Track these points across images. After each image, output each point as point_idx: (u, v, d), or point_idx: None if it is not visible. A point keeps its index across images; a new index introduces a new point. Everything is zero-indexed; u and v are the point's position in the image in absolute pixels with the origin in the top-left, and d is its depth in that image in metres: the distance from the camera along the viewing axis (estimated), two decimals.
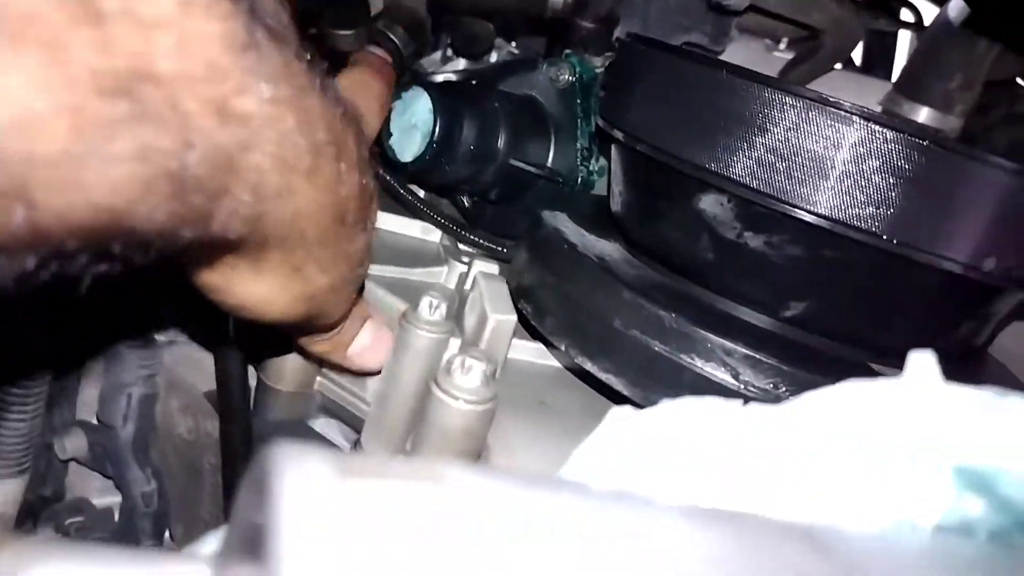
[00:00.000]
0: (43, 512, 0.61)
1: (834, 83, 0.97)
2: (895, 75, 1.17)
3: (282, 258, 0.35)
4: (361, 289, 0.48)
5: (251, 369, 0.57)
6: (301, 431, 0.56)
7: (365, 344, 0.50)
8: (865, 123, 0.40)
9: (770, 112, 0.41)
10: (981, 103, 0.92)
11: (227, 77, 0.26)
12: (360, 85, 0.65)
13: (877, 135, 0.40)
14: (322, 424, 0.58)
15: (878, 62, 1.17)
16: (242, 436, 0.53)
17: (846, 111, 0.40)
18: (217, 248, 0.32)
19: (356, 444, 0.52)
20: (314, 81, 0.32)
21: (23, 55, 0.21)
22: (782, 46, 1.02)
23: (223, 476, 0.53)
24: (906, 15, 1.13)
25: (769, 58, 1.00)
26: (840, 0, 0.89)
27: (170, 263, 0.31)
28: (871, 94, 0.96)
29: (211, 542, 0.21)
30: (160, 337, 0.62)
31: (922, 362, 0.24)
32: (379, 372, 0.52)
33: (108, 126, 0.23)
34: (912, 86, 0.89)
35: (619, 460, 0.25)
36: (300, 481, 0.13)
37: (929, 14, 1.14)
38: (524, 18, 0.71)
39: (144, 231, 0.26)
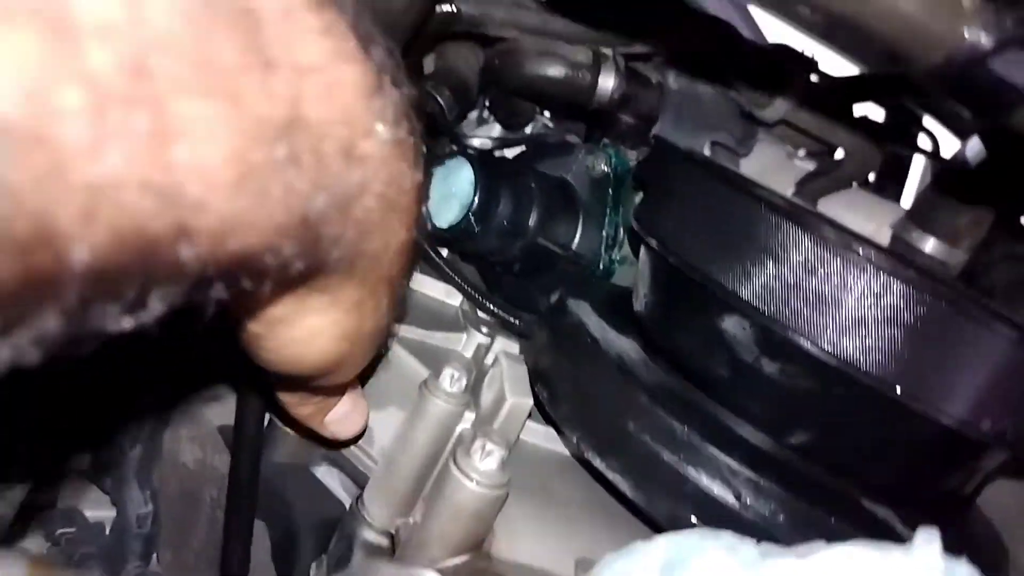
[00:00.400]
0: (34, 518, 0.61)
1: (849, 200, 1.01)
2: (905, 196, 1.22)
3: (355, 290, 0.35)
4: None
5: None
6: (303, 477, 0.58)
7: (345, 411, 0.50)
8: (877, 271, 0.42)
9: (791, 246, 0.44)
10: (984, 239, 0.95)
11: (358, 121, 0.28)
12: None
13: (889, 284, 0.42)
14: (323, 472, 0.59)
15: (891, 181, 1.21)
16: (250, 475, 0.55)
17: (860, 255, 0.43)
18: (305, 278, 0.32)
19: (359, 499, 0.53)
20: (416, 124, 0.33)
21: (205, 105, 0.21)
22: (801, 153, 1.06)
23: (226, 512, 0.55)
24: (923, 141, 1.18)
25: (789, 165, 1.04)
26: (864, 125, 0.93)
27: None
28: (882, 216, 1.00)
29: None
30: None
31: (928, 539, 0.26)
32: (353, 442, 0.53)
33: (266, 173, 0.24)
34: (923, 216, 0.93)
35: None
36: None
37: (944, 142, 1.19)
38: (569, 104, 0.74)
39: (268, 265, 0.26)
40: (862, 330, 0.43)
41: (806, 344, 0.44)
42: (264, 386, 0.56)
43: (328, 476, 0.60)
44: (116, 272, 0.21)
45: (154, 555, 0.62)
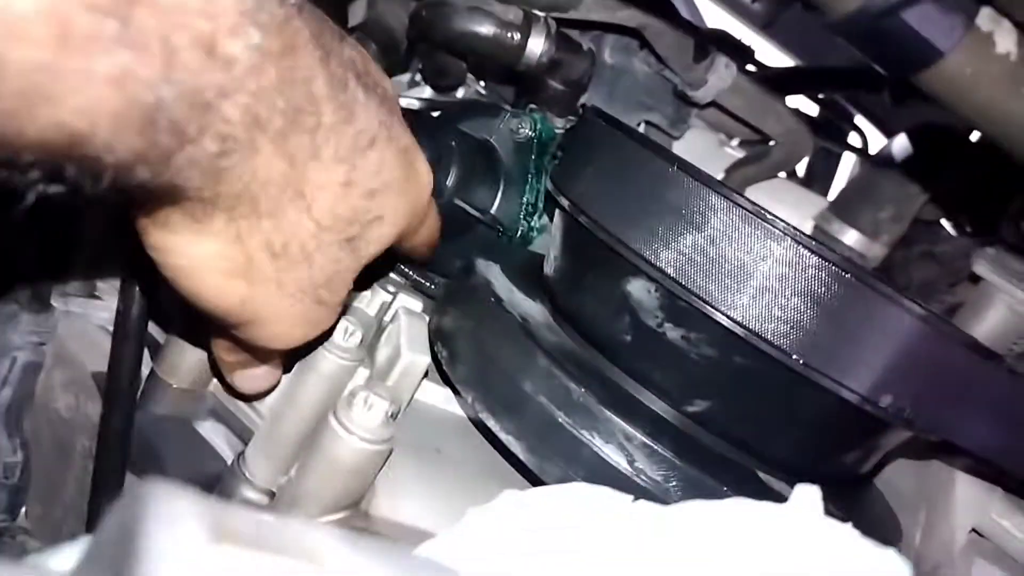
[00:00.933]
0: None
1: (774, 190, 1.01)
2: (832, 192, 1.24)
3: (226, 223, 0.33)
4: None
5: (146, 357, 0.55)
6: (186, 432, 0.54)
7: (256, 371, 0.47)
8: (789, 242, 0.41)
9: (706, 212, 0.43)
10: (904, 237, 0.97)
11: (222, 15, 0.26)
12: None
13: (799, 255, 0.41)
14: (209, 428, 0.56)
15: (819, 177, 1.23)
16: (122, 426, 0.51)
17: (774, 226, 0.42)
18: (166, 196, 0.30)
19: (240, 456, 0.50)
20: (312, 46, 0.31)
21: None
22: (734, 143, 1.06)
23: (95, 465, 0.51)
24: (854, 139, 1.19)
25: (720, 153, 1.04)
26: (796, 114, 0.93)
27: (115, 207, 0.30)
28: (807, 207, 1.01)
29: (66, 555, 0.20)
30: (58, 304, 0.60)
31: (807, 495, 0.25)
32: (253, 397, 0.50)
33: (91, 43, 0.22)
34: (846, 209, 0.94)
35: (497, 542, 0.25)
36: (170, 545, 0.12)
37: (874, 140, 1.21)
38: (497, 64, 0.71)
39: (102, 160, 0.25)
40: (767, 299, 0.42)
41: (711, 311, 0.43)
42: (141, 333, 0.52)
43: (213, 432, 0.56)
44: None
45: (22, 509, 0.58)
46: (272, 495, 0.49)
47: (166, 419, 0.54)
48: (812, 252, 0.41)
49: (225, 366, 0.47)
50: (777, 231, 0.42)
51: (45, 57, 0.21)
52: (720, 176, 0.97)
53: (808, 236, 0.43)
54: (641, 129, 0.91)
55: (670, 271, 0.43)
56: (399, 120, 0.42)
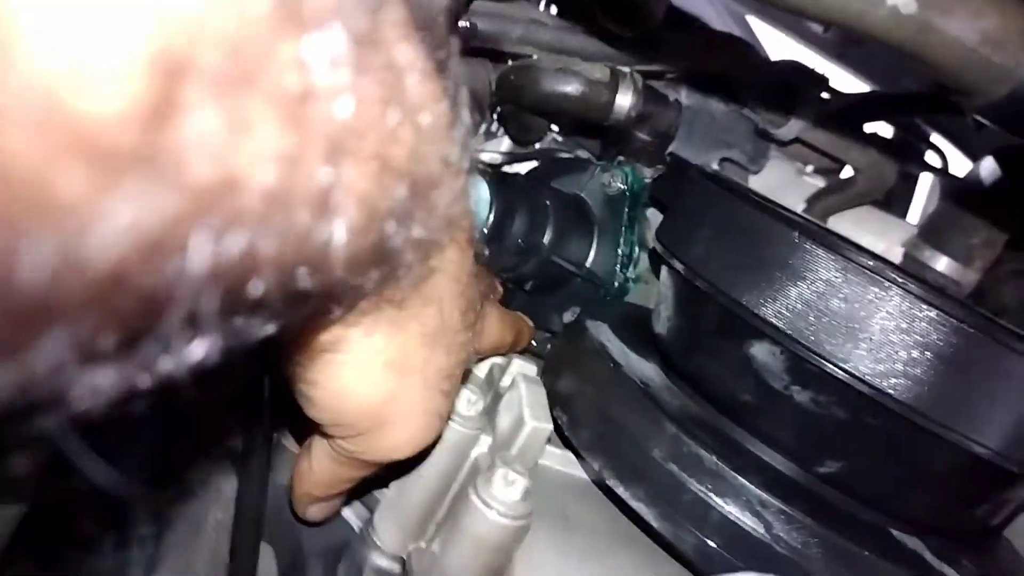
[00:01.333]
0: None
1: (859, 218, 1.00)
2: (912, 214, 1.21)
3: (394, 311, 0.34)
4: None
5: None
6: None
7: (328, 508, 0.48)
8: (910, 296, 0.41)
9: (829, 274, 0.43)
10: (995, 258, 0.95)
11: (445, 156, 0.28)
12: None
13: (922, 309, 0.41)
14: None
15: (898, 199, 1.21)
16: (257, 500, 0.53)
17: (904, 287, 0.42)
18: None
19: (369, 523, 0.52)
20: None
21: (355, 165, 0.23)
22: (809, 169, 1.05)
23: (232, 538, 0.53)
24: (932, 158, 1.17)
25: (799, 182, 1.03)
26: (878, 143, 0.92)
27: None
28: (894, 234, 0.99)
29: None
30: None
31: None
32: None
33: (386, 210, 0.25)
34: (935, 235, 0.92)
35: None
36: None
37: (953, 159, 1.19)
38: (584, 121, 0.73)
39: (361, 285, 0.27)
40: (895, 357, 0.42)
41: (839, 372, 0.43)
42: (272, 405, 0.54)
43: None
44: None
45: None
46: (402, 561, 0.51)
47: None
48: (935, 305, 0.41)
49: (309, 499, 0.46)
50: (896, 284, 0.42)
51: (361, 237, 0.24)
52: (801, 207, 0.97)
53: (927, 286, 0.43)
54: (717, 166, 0.91)
55: (794, 334, 0.44)
56: None
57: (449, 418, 0.48)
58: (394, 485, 0.53)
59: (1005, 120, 0.32)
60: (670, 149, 0.79)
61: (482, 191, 0.64)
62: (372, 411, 0.36)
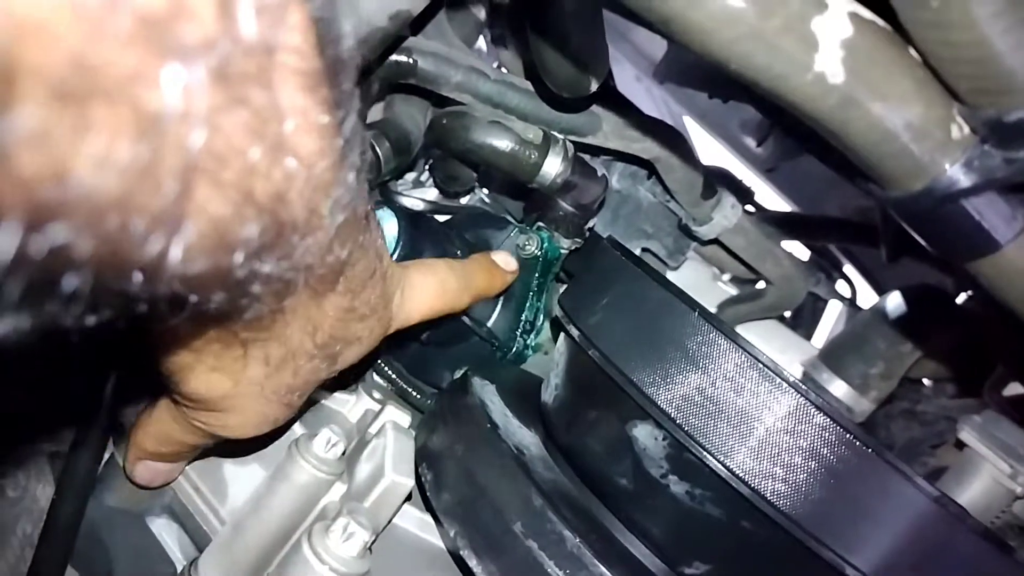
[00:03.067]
0: None
1: (765, 331, 1.01)
2: (816, 337, 1.24)
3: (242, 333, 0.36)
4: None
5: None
6: (137, 528, 0.50)
7: (160, 466, 0.47)
8: (809, 404, 0.40)
9: (726, 364, 0.41)
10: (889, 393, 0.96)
11: (317, 210, 0.30)
12: None
13: (812, 418, 0.39)
14: (162, 526, 0.52)
15: (804, 321, 1.23)
16: (72, 516, 0.47)
17: (805, 395, 0.40)
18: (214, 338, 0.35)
19: (192, 565, 0.46)
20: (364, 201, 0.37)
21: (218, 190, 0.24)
22: (726, 277, 1.06)
23: (35, 554, 0.46)
24: (842, 287, 1.21)
25: (714, 287, 1.04)
26: (793, 260, 0.94)
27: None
28: (795, 352, 1.00)
29: None
30: None
31: None
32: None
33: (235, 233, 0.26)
34: (836, 360, 0.93)
35: None
36: None
37: (862, 292, 1.22)
38: (510, 179, 0.71)
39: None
40: (778, 460, 0.40)
41: (719, 467, 0.40)
42: (109, 422, 0.49)
43: (166, 530, 0.52)
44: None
45: None
46: None
47: (118, 511, 0.50)
48: (829, 416, 0.39)
49: (139, 450, 0.47)
50: (800, 394, 0.40)
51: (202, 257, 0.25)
52: (712, 311, 0.97)
53: (838, 411, 0.41)
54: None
55: (680, 420, 0.41)
56: (386, 250, 0.45)
57: (290, 423, 0.46)
58: (230, 523, 0.47)
59: (914, 219, 0.32)
60: (594, 229, 0.78)
61: (389, 225, 0.61)
62: (203, 399, 0.39)
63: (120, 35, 0.19)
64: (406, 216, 0.63)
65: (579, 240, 0.72)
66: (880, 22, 0.28)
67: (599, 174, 0.72)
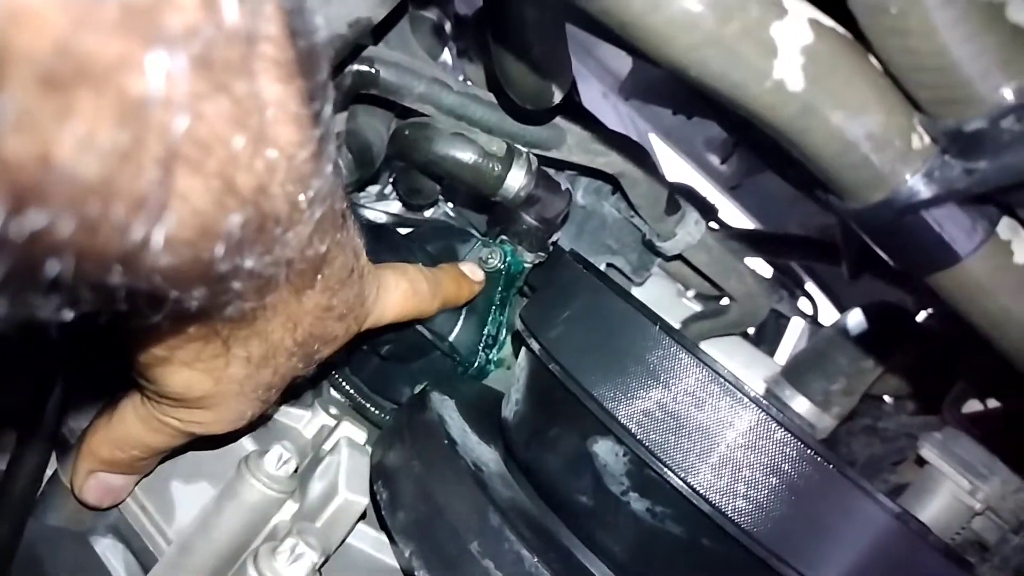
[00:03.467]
0: None
1: (729, 347, 1.01)
2: (779, 353, 1.24)
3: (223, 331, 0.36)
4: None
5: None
6: (79, 548, 0.48)
7: (107, 482, 0.45)
8: (762, 415, 0.39)
9: (685, 379, 0.41)
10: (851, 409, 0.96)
11: (296, 204, 0.30)
12: None
13: (772, 433, 0.39)
14: (106, 546, 0.50)
15: (768, 338, 1.23)
16: (9, 536, 0.45)
17: (745, 395, 0.39)
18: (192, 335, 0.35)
19: None
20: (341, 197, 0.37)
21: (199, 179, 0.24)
22: (690, 294, 1.06)
23: None
24: (804, 304, 1.21)
25: (678, 303, 1.04)
26: (756, 277, 0.94)
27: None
28: (758, 368, 1.00)
29: None
30: None
31: None
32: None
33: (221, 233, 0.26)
34: (798, 376, 0.93)
35: None
36: None
37: (824, 309, 1.23)
38: (473, 192, 0.70)
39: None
40: (739, 476, 0.39)
41: (679, 483, 0.40)
42: (53, 435, 0.47)
43: (111, 552, 0.50)
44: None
45: None
46: None
47: (60, 531, 0.48)
48: (795, 436, 0.39)
49: (92, 460, 0.45)
50: (764, 412, 0.39)
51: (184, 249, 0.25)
52: (676, 327, 0.97)
53: (799, 427, 0.41)
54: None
55: (640, 435, 0.40)
56: (362, 249, 0.45)
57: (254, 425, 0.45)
58: (176, 543, 0.46)
59: (875, 231, 0.31)
60: (558, 243, 0.77)
61: None
62: (183, 397, 0.39)
63: (105, 22, 0.20)
64: (367, 229, 0.62)
65: (543, 254, 0.72)
66: (840, 29, 0.28)
67: (563, 188, 0.71)
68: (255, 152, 0.26)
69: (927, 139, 0.29)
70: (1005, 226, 0.31)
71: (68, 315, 0.24)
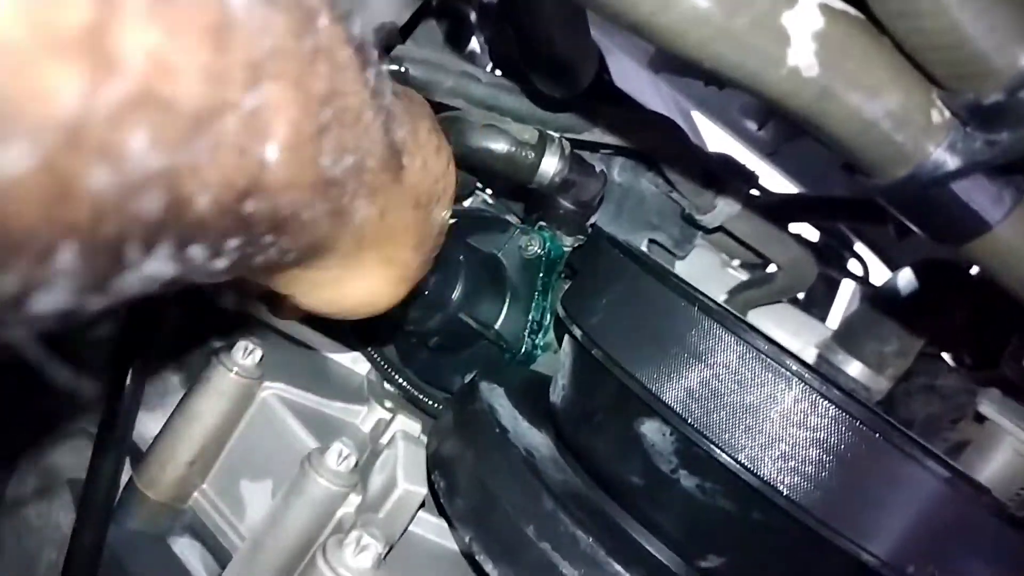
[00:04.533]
0: None
1: (777, 315, 1.00)
2: (831, 318, 1.23)
3: (377, 255, 0.38)
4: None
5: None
6: (159, 551, 0.51)
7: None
8: (812, 391, 0.40)
9: (727, 356, 0.41)
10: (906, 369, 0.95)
11: (360, 93, 0.30)
12: None
13: (819, 406, 0.39)
14: (184, 546, 0.53)
15: (818, 302, 1.22)
16: (93, 543, 0.48)
17: (806, 381, 0.40)
18: (316, 256, 0.35)
19: None
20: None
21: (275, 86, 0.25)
22: (735, 263, 1.05)
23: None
24: (854, 265, 1.20)
25: (723, 274, 1.03)
26: (801, 243, 0.93)
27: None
28: (809, 334, 0.99)
29: None
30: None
31: None
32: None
33: (314, 138, 0.27)
34: (850, 340, 0.92)
35: None
36: None
37: (874, 268, 1.21)
38: (508, 181, 0.71)
39: (306, 219, 0.29)
40: (787, 451, 0.40)
41: (727, 460, 0.40)
42: (123, 441, 0.50)
43: (189, 551, 0.53)
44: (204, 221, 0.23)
45: None
46: None
47: (140, 535, 0.51)
48: (839, 407, 0.39)
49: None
50: (798, 378, 0.40)
51: (291, 161, 0.26)
52: (722, 298, 0.96)
53: (830, 383, 0.41)
54: (645, 247, 0.90)
55: (686, 415, 0.41)
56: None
57: None
58: (249, 540, 0.48)
59: (902, 205, 0.31)
60: (598, 224, 0.78)
61: None
62: (379, 309, 0.42)
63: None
64: None
65: (581, 237, 0.73)
66: (852, 11, 0.28)
67: (597, 170, 0.72)
68: (319, 54, 0.27)
69: (947, 114, 0.29)
70: None
71: (220, 265, 0.26)
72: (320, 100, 0.27)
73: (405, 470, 0.46)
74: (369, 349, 0.65)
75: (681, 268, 0.96)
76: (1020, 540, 0.42)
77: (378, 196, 0.35)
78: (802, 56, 0.27)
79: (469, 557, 0.46)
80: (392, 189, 0.37)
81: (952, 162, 0.29)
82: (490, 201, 0.87)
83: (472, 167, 0.74)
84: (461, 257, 0.66)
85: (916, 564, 0.40)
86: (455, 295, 0.65)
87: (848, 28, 0.28)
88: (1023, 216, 0.30)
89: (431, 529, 0.50)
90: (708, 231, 0.88)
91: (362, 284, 0.40)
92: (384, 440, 0.52)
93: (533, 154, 0.68)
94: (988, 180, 0.30)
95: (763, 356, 0.40)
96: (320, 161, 0.28)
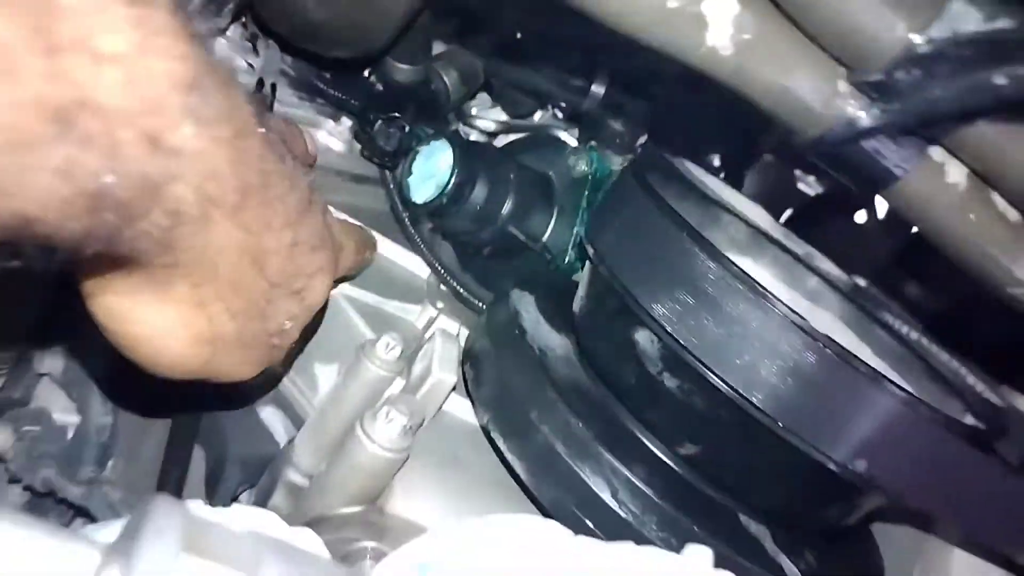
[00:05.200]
0: (7, 412, 0.67)
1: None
2: None
3: (189, 290, 0.35)
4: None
5: None
6: (247, 415, 0.63)
7: None
8: (780, 316, 0.45)
9: (701, 277, 0.47)
10: None
11: (165, 113, 0.28)
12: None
13: (784, 329, 0.45)
14: (269, 413, 0.64)
15: None
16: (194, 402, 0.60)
17: (771, 303, 0.45)
18: (123, 263, 0.33)
19: (290, 443, 0.58)
20: (255, 125, 0.34)
21: None
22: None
23: (170, 435, 0.60)
24: None
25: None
26: None
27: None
28: None
29: (110, 531, 0.27)
30: None
31: (698, 553, 0.30)
32: None
33: (39, 145, 0.25)
34: None
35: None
36: (150, 551, 0.19)
37: None
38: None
39: (54, 237, 0.27)
40: (753, 363, 0.46)
41: (701, 368, 0.47)
42: None
43: (273, 417, 0.64)
44: None
45: (109, 462, 0.67)
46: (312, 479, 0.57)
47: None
48: (795, 327, 0.45)
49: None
50: (770, 306, 0.45)
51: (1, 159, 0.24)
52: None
53: (789, 308, 0.46)
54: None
55: (669, 327, 0.48)
56: (315, 186, 0.45)
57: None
58: (317, 410, 0.59)
59: (823, 158, 0.36)
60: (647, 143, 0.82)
61: (445, 154, 0.69)
62: (187, 373, 0.40)
63: None
64: (460, 144, 0.70)
65: (631, 156, 0.78)
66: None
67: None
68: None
69: (849, 86, 0.33)
70: (938, 151, 0.35)
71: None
72: (56, 107, 0.25)
73: (440, 361, 0.55)
74: (427, 253, 0.73)
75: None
76: (963, 453, 0.47)
77: (211, 223, 0.33)
78: (718, 38, 0.32)
79: (487, 433, 0.55)
80: (224, 226, 0.34)
81: (857, 124, 0.33)
82: (560, 116, 0.93)
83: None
84: (512, 175, 0.72)
85: (866, 462, 0.46)
86: (504, 210, 0.72)
87: (761, 14, 0.32)
88: (928, 171, 0.35)
89: (462, 409, 0.59)
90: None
91: (158, 316, 0.35)
92: (427, 335, 0.61)
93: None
94: (894, 140, 0.34)
95: (730, 276, 0.46)
96: (66, 172, 0.26)
